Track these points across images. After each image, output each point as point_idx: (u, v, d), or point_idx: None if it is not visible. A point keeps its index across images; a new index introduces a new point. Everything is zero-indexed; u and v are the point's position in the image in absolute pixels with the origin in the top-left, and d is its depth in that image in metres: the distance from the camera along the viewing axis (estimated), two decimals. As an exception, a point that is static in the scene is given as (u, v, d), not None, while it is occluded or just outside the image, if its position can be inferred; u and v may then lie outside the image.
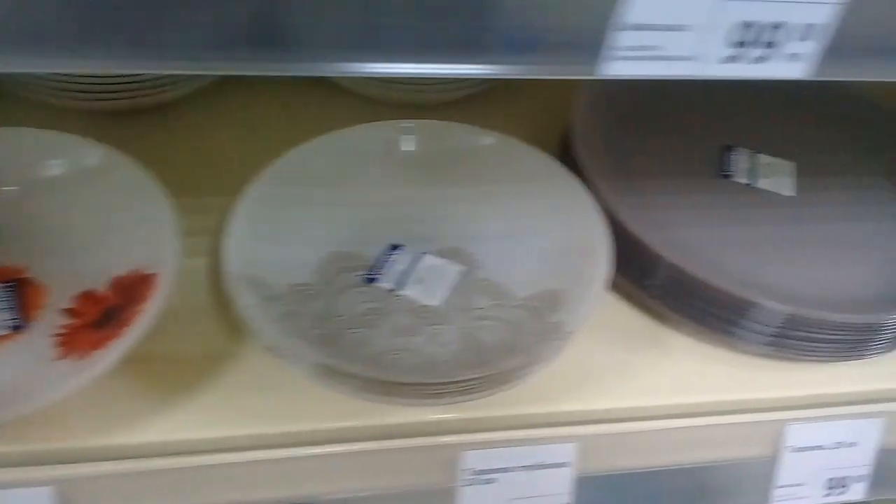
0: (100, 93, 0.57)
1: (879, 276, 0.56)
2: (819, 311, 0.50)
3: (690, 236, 0.56)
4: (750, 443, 0.53)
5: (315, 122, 0.57)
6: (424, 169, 0.56)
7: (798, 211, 0.60)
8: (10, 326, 0.47)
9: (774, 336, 0.52)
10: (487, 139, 0.56)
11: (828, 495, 0.56)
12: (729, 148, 0.64)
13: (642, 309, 0.55)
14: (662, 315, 0.54)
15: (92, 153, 0.51)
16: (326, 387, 0.44)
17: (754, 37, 0.25)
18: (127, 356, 0.42)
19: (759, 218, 0.59)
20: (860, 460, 0.55)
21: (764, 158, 0.63)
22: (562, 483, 0.50)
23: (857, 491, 0.56)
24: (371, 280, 0.52)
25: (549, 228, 0.53)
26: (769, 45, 0.25)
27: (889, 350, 0.54)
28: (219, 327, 0.50)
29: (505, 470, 0.49)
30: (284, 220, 0.51)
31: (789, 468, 0.54)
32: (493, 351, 0.48)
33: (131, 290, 0.47)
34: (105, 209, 0.50)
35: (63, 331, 0.47)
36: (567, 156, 0.57)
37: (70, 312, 0.48)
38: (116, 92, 0.57)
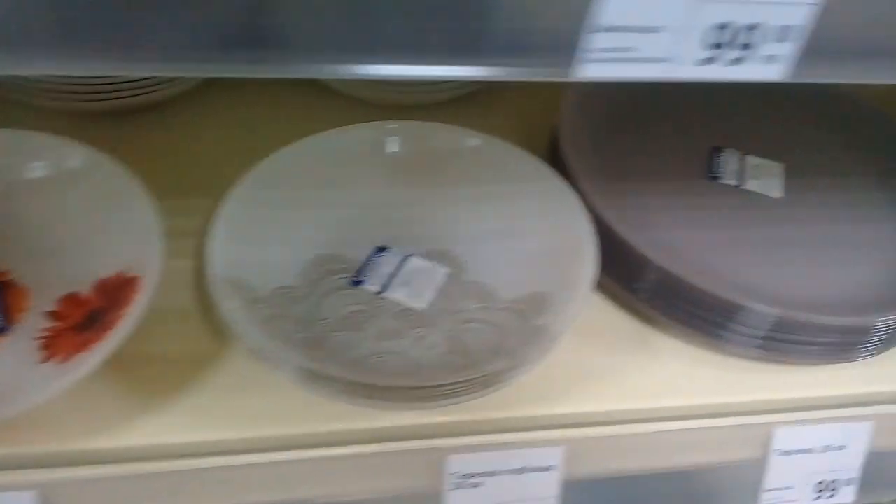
0: (84, 94, 0.57)
1: (869, 278, 0.56)
2: (808, 313, 0.50)
3: (678, 238, 0.56)
4: (738, 446, 0.53)
5: (303, 123, 0.56)
6: (411, 170, 0.56)
7: (786, 212, 0.60)
8: (-7, 329, 0.47)
9: (763, 339, 0.51)
10: (473, 140, 0.56)
11: (817, 498, 0.55)
12: (717, 149, 0.63)
13: (630, 311, 0.55)
14: (650, 317, 0.54)
15: (75, 154, 0.50)
16: (310, 391, 0.44)
17: (730, 39, 0.24)
18: (111, 359, 0.42)
19: (747, 220, 0.59)
20: (849, 463, 0.55)
21: (752, 160, 0.63)
22: (549, 487, 0.50)
23: (847, 494, 0.56)
24: (357, 283, 0.52)
25: (535, 230, 0.53)
26: (745, 46, 0.25)
27: (879, 352, 0.54)
28: (204, 330, 0.50)
29: (492, 474, 0.49)
30: (269, 223, 0.51)
31: (778, 471, 0.54)
32: (479, 354, 0.48)
33: (115, 292, 0.47)
34: (89, 211, 0.50)
35: (46, 334, 0.47)
36: (555, 157, 0.57)
37: (53, 315, 0.48)
38: (101, 93, 0.57)
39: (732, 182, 0.61)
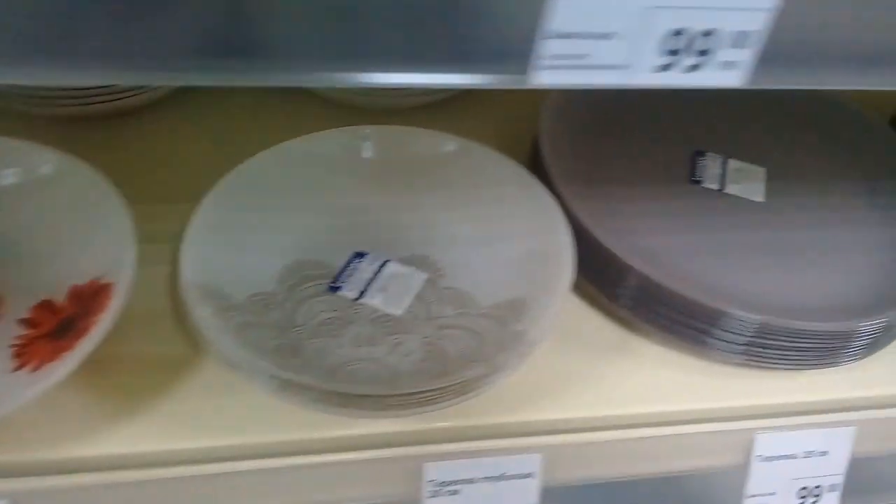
0: (59, 99, 0.56)
1: (851, 283, 0.56)
2: (790, 319, 0.50)
3: (660, 244, 0.55)
4: (719, 452, 0.52)
5: (280, 127, 0.56)
6: (389, 175, 0.56)
7: (768, 217, 0.59)
8: (-35, 337, 0.46)
9: (745, 345, 0.51)
10: (452, 145, 0.56)
11: (801, 504, 0.55)
12: (699, 154, 0.63)
13: (611, 317, 0.55)
14: (631, 323, 0.54)
15: (48, 160, 0.50)
16: (283, 399, 0.44)
17: (686, 45, 0.24)
18: (85, 366, 0.42)
19: (729, 224, 0.58)
20: (833, 469, 0.54)
21: (734, 164, 0.62)
22: (527, 494, 0.50)
23: (831, 500, 0.55)
24: (334, 289, 0.51)
25: (514, 236, 0.52)
26: (702, 53, 0.24)
27: (862, 357, 0.54)
28: (178, 337, 0.50)
29: (470, 481, 0.48)
30: (245, 228, 0.50)
31: (760, 478, 0.53)
32: (457, 361, 0.47)
33: (89, 299, 0.47)
34: (62, 218, 0.49)
35: (20, 342, 0.47)
36: (536, 162, 0.56)
37: (27, 322, 0.48)
38: (76, 98, 0.56)
39: (714, 186, 0.61)
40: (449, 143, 0.55)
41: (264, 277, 0.50)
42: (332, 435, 0.47)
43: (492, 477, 0.48)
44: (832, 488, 0.55)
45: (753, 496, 0.54)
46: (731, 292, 0.53)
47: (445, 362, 0.47)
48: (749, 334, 0.51)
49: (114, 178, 0.49)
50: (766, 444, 0.52)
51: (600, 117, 0.63)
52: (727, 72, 0.25)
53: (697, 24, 0.24)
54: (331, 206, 0.54)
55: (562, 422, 0.50)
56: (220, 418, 0.46)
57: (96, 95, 0.57)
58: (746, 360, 0.52)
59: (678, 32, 0.24)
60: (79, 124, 0.61)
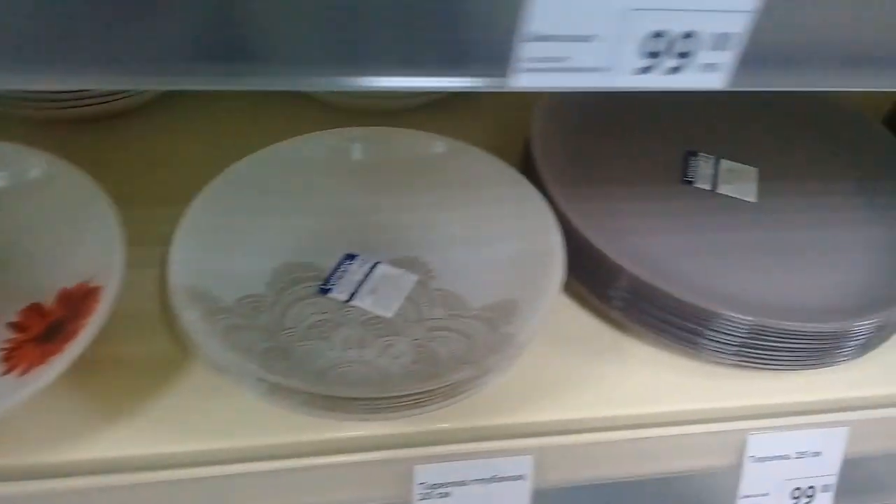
0: (48, 102, 0.56)
1: (844, 283, 0.55)
2: (783, 320, 0.50)
3: (652, 244, 0.55)
4: (712, 453, 0.52)
5: (272, 129, 0.56)
6: (380, 177, 0.55)
7: (761, 217, 0.59)
8: (-47, 341, 0.46)
9: (738, 345, 0.51)
10: (441, 146, 0.55)
11: (794, 505, 0.55)
12: (691, 154, 0.63)
13: (603, 318, 0.55)
14: (624, 325, 0.53)
15: (36, 163, 0.50)
16: (271, 403, 0.43)
17: (666, 47, 0.24)
18: (73, 369, 0.42)
19: (721, 224, 0.58)
20: (826, 469, 0.54)
21: (726, 164, 0.62)
22: (519, 496, 0.49)
23: (824, 501, 0.55)
24: (324, 291, 0.51)
25: (504, 237, 0.52)
26: (683, 55, 0.24)
27: (855, 357, 0.54)
28: (168, 340, 0.49)
29: (460, 484, 0.48)
30: (235, 231, 0.50)
31: (753, 478, 0.53)
32: (447, 363, 0.47)
33: (77, 302, 0.47)
34: (51, 220, 0.49)
35: (8, 346, 0.47)
36: (529, 163, 0.56)
37: (15, 326, 0.47)
38: (66, 101, 0.56)
39: (706, 186, 0.60)
40: (438, 145, 0.55)
41: (254, 280, 0.50)
42: (321, 438, 0.46)
43: (483, 479, 0.48)
44: (825, 489, 0.55)
45: (746, 497, 0.54)
46: (724, 293, 0.52)
47: (436, 364, 0.47)
48: (742, 335, 0.50)
49: (103, 181, 0.49)
50: (758, 444, 0.52)
51: (592, 118, 0.63)
52: (708, 74, 0.25)
53: (677, 26, 0.23)
54: (321, 209, 0.54)
55: (554, 423, 0.50)
56: (209, 421, 0.46)
57: (85, 98, 0.57)
58: (739, 360, 0.52)
59: (658, 35, 0.24)
60: (68, 127, 0.61)
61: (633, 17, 0.23)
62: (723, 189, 0.60)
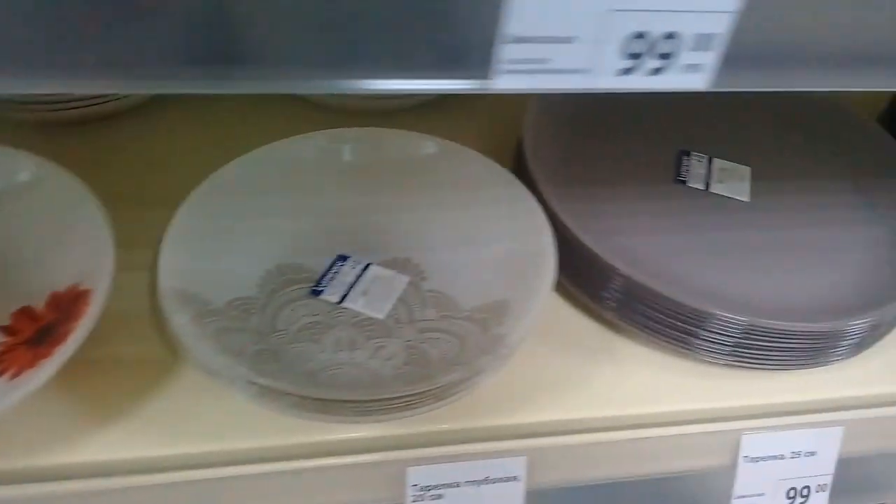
0: (37, 103, 0.56)
1: (838, 282, 0.55)
2: (777, 320, 0.50)
3: (645, 244, 0.55)
4: (706, 453, 0.52)
5: (263, 131, 0.56)
6: (371, 178, 0.55)
7: (754, 216, 0.59)
8: (-56, 345, 0.46)
9: (732, 346, 0.51)
10: (434, 147, 0.55)
11: (789, 505, 0.55)
12: (684, 153, 0.63)
13: (597, 319, 0.55)
14: (617, 325, 0.53)
15: (25, 166, 0.50)
16: (263, 406, 0.43)
17: (648, 48, 0.24)
18: (65, 372, 0.42)
19: (714, 224, 0.58)
20: (821, 469, 0.54)
21: (719, 163, 0.62)
22: (513, 497, 0.49)
23: (820, 500, 0.55)
24: (316, 292, 0.51)
25: (496, 238, 0.52)
26: (664, 56, 0.24)
27: (849, 356, 0.53)
28: (159, 343, 0.49)
29: (454, 485, 0.48)
30: (225, 233, 0.50)
31: (747, 478, 0.53)
32: (438, 364, 0.47)
33: (68, 306, 0.46)
34: (41, 223, 0.49)
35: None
36: (521, 163, 0.56)
37: (6, 330, 0.47)
38: (55, 103, 0.56)
39: (699, 186, 0.60)
40: (429, 145, 0.55)
41: (245, 282, 0.50)
42: (313, 440, 0.46)
43: (476, 480, 0.48)
44: (821, 488, 0.55)
45: (741, 497, 0.54)
46: (717, 293, 0.52)
47: (428, 366, 0.47)
48: (736, 335, 0.50)
49: (93, 184, 0.49)
50: (752, 444, 0.52)
51: (585, 118, 0.62)
52: (691, 74, 0.25)
53: (658, 27, 0.23)
54: (313, 210, 0.54)
55: (547, 424, 0.50)
56: (200, 424, 0.46)
57: (75, 101, 0.57)
58: (734, 361, 0.51)
59: (639, 36, 0.23)
60: (57, 129, 0.61)
61: (613, 18, 0.23)
62: (716, 188, 0.60)
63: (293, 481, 0.47)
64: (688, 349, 0.52)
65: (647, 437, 0.50)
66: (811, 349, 0.52)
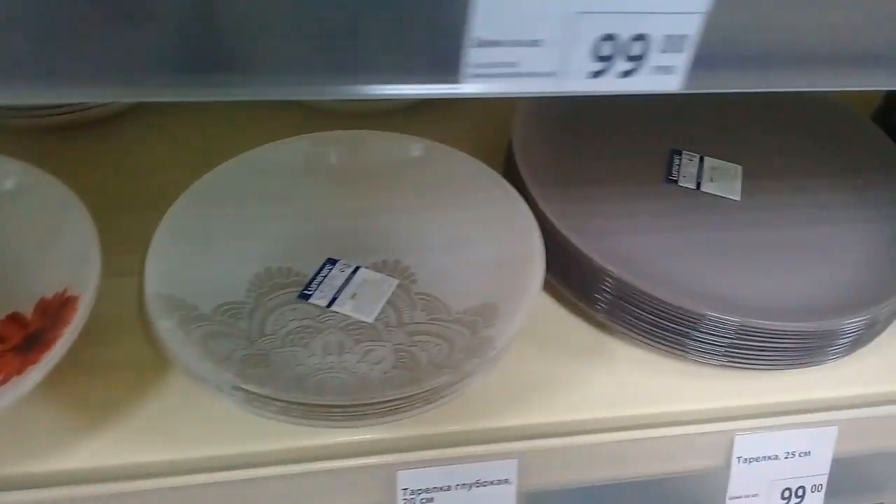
0: (23, 109, 0.56)
1: (832, 281, 0.55)
2: (770, 320, 0.49)
3: (636, 244, 0.55)
4: (699, 455, 0.52)
5: (251, 135, 0.55)
6: (359, 180, 0.55)
7: (746, 215, 0.59)
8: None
9: (725, 346, 0.50)
10: (422, 149, 0.55)
11: (784, 505, 0.55)
12: (675, 152, 0.62)
13: (589, 321, 0.54)
14: (610, 327, 0.53)
15: (11, 172, 0.50)
16: (249, 412, 0.43)
17: (617, 50, 0.24)
18: (53, 378, 0.42)
19: (706, 223, 0.58)
20: (816, 469, 0.54)
21: (710, 162, 0.62)
22: (504, 500, 0.49)
23: (815, 500, 0.55)
24: (305, 296, 0.51)
25: (484, 240, 0.52)
26: (635, 58, 0.24)
27: (843, 356, 0.53)
28: (147, 349, 0.49)
29: (446, 488, 0.48)
30: (213, 238, 0.50)
31: (741, 479, 0.53)
32: (427, 368, 0.47)
33: (55, 312, 0.46)
34: (28, 229, 0.49)
35: (-13, 356, 0.46)
36: (511, 164, 0.56)
37: (-5, 337, 0.47)
38: (41, 109, 0.56)
39: (690, 185, 0.60)
40: (417, 147, 0.55)
41: (233, 287, 0.50)
42: (302, 445, 0.46)
43: (467, 484, 0.48)
44: (816, 489, 0.54)
45: (735, 498, 0.53)
46: (710, 293, 0.52)
47: (417, 369, 0.47)
48: (729, 336, 0.50)
49: (80, 189, 0.49)
50: (745, 445, 0.51)
51: (575, 118, 0.62)
52: (663, 76, 0.24)
53: (626, 29, 0.23)
54: (301, 214, 0.54)
55: (539, 427, 0.49)
56: (189, 430, 0.46)
57: (61, 107, 0.56)
58: (727, 361, 0.51)
59: (608, 38, 0.23)
60: (43, 135, 0.61)
61: (581, 20, 0.22)
62: (707, 187, 0.60)
63: (283, 486, 0.46)
64: (680, 350, 0.51)
65: (639, 439, 0.50)
66: (804, 349, 0.51)
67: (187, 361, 0.42)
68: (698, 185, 0.60)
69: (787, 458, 0.52)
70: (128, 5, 0.24)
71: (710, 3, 0.23)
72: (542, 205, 0.52)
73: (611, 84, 0.24)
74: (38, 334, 0.46)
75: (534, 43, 0.23)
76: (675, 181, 0.60)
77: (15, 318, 0.48)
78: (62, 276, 0.47)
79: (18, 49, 0.24)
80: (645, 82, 0.24)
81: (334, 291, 0.51)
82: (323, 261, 0.53)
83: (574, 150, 0.61)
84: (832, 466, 0.53)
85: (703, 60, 0.24)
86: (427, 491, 0.48)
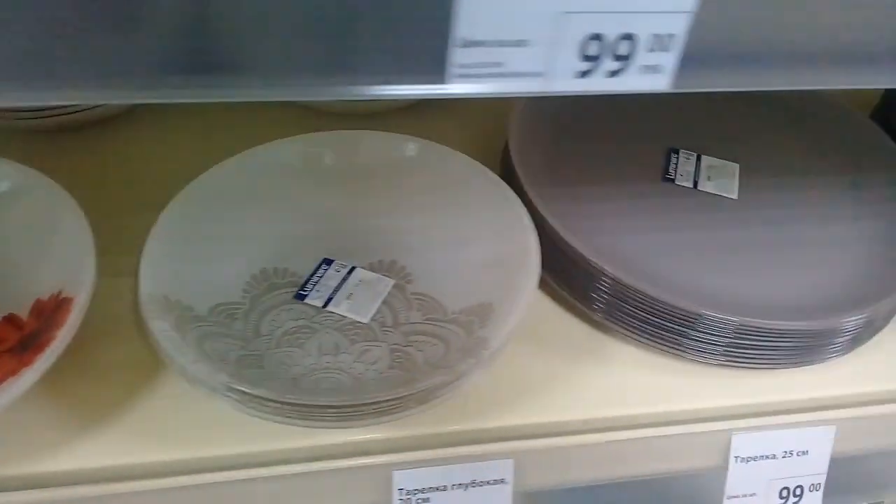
0: (18, 111, 0.56)
1: (830, 279, 0.55)
2: (768, 319, 0.49)
3: (633, 243, 0.55)
4: (697, 454, 0.52)
5: (247, 135, 0.55)
6: (354, 180, 0.55)
7: (743, 214, 0.58)
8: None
9: (725, 346, 0.50)
10: (417, 149, 0.55)
11: (782, 504, 0.54)
12: (672, 151, 0.62)
13: (586, 320, 0.54)
14: (607, 326, 0.53)
15: (6, 173, 0.50)
16: (244, 413, 0.43)
17: (604, 50, 0.23)
18: (49, 379, 0.42)
19: (703, 222, 0.57)
20: (814, 469, 0.54)
21: (707, 160, 0.61)
22: (500, 500, 0.49)
23: (814, 500, 0.55)
24: (300, 297, 0.51)
25: (480, 239, 0.52)
26: (623, 57, 0.24)
27: (841, 355, 0.53)
28: (143, 350, 0.49)
29: (440, 489, 0.48)
30: (208, 239, 0.50)
31: (739, 478, 0.52)
32: (423, 368, 0.47)
33: (51, 313, 0.46)
34: (23, 231, 0.49)
35: (-16, 357, 0.46)
36: (508, 163, 0.56)
37: (-9, 339, 0.47)
38: (36, 110, 0.56)
39: (688, 184, 0.60)
40: (412, 147, 0.55)
41: (229, 288, 0.50)
42: (298, 445, 0.46)
43: (463, 483, 0.48)
44: (814, 488, 0.54)
45: (733, 497, 0.53)
46: (708, 293, 0.52)
47: (413, 370, 0.47)
48: (728, 336, 0.50)
49: (76, 191, 0.49)
50: (743, 444, 0.51)
51: (572, 116, 0.62)
52: (651, 76, 0.24)
53: (613, 28, 0.23)
54: (297, 214, 0.54)
55: (536, 426, 0.49)
56: (185, 430, 0.46)
57: (56, 108, 0.56)
58: (726, 360, 0.51)
59: (595, 37, 0.23)
60: (38, 136, 0.61)
61: (567, 20, 0.22)
62: (704, 186, 0.60)
63: (279, 487, 0.46)
64: (678, 350, 0.51)
65: (636, 439, 0.50)
66: (802, 348, 0.51)
67: (182, 363, 0.42)
68: (695, 183, 0.60)
69: (784, 457, 0.52)
70: (125, 6, 0.24)
71: (696, 1, 0.23)
72: (538, 205, 0.52)
73: (598, 84, 0.24)
74: (34, 336, 0.46)
75: (519, 43, 0.23)
76: (672, 180, 0.60)
77: (11, 320, 0.48)
78: (58, 278, 0.47)
79: (16, 51, 0.24)
80: (633, 82, 0.24)
81: (330, 292, 0.51)
82: (319, 261, 0.53)
83: (571, 150, 0.60)
84: (830, 466, 0.53)
85: (692, 59, 0.24)
86: (423, 491, 0.47)
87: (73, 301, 0.45)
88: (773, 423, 0.52)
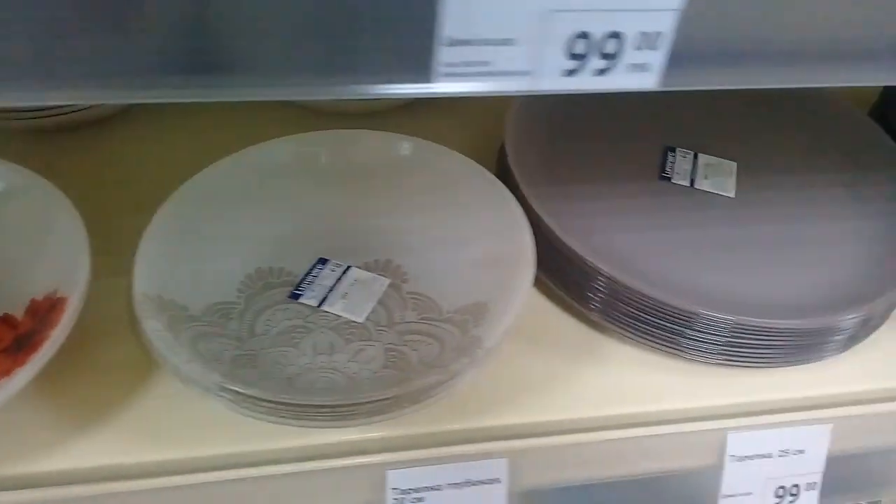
0: (13, 111, 0.56)
1: (827, 278, 0.55)
2: (765, 318, 0.49)
3: (630, 242, 0.55)
4: (692, 453, 0.52)
5: (243, 135, 0.55)
6: (350, 180, 0.55)
7: (740, 212, 0.58)
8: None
9: (722, 345, 0.50)
10: (412, 148, 0.55)
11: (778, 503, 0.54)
12: (669, 149, 0.62)
13: (582, 320, 0.54)
14: (603, 325, 0.53)
15: (1, 174, 0.50)
16: (238, 412, 0.43)
17: (591, 48, 0.23)
18: (44, 379, 0.42)
19: (700, 220, 0.57)
20: (810, 467, 0.54)
21: (704, 159, 0.61)
22: (495, 500, 0.49)
23: (810, 499, 0.55)
24: (295, 296, 0.51)
25: (477, 239, 0.52)
26: (610, 56, 0.24)
27: (840, 352, 0.53)
28: (137, 349, 0.49)
29: (434, 488, 0.48)
30: (203, 238, 0.50)
31: (734, 477, 0.52)
32: (417, 367, 0.47)
33: (45, 313, 0.46)
34: (18, 231, 0.49)
35: (-22, 357, 0.46)
36: (504, 163, 0.56)
37: (-16, 338, 0.47)
38: (32, 110, 0.56)
39: (684, 182, 0.60)
40: (407, 146, 0.55)
41: (224, 287, 0.50)
42: (292, 444, 0.46)
43: (458, 483, 0.48)
44: (810, 487, 0.54)
45: (729, 496, 0.53)
46: (704, 291, 0.52)
47: (407, 369, 0.47)
48: (725, 335, 0.50)
49: (70, 191, 0.49)
50: (738, 443, 0.51)
51: (567, 116, 0.62)
52: (638, 74, 0.24)
53: (600, 26, 0.23)
54: (292, 213, 0.54)
55: (530, 426, 0.49)
56: (180, 430, 0.46)
57: (51, 108, 0.56)
58: (723, 359, 0.51)
59: (582, 36, 0.23)
60: (33, 137, 0.61)
61: (554, 18, 0.22)
62: (701, 184, 0.60)
63: (273, 486, 0.46)
64: (674, 349, 0.51)
65: (631, 437, 0.50)
66: (798, 347, 0.51)
67: (175, 363, 0.42)
68: (692, 182, 0.60)
69: (780, 456, 0.52)
70: (124, 6, 0.24)
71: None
72: (534, 204, 0.52)
73: (586, 82, 0.24)
74: (29, 335, 0.46)
75: (506, 41, 0.22)
76: (669, 178, 0.60)
77: (5, 320, 0.48)
78: (52, 278, 0.47)
79: (14, 51, 0.24)
80: (621, 80, 0.24)
81: (325, 291, 0.51)
82: (314, 260, 0.52)
83: (567, 148, 0.60)
84: (827, 464, 0.53)
85: (680, 57, 0.24)
86: (417, 490, 0.47)
87: (68, 301, 0.45)
88: (769, 422, 0.51)
